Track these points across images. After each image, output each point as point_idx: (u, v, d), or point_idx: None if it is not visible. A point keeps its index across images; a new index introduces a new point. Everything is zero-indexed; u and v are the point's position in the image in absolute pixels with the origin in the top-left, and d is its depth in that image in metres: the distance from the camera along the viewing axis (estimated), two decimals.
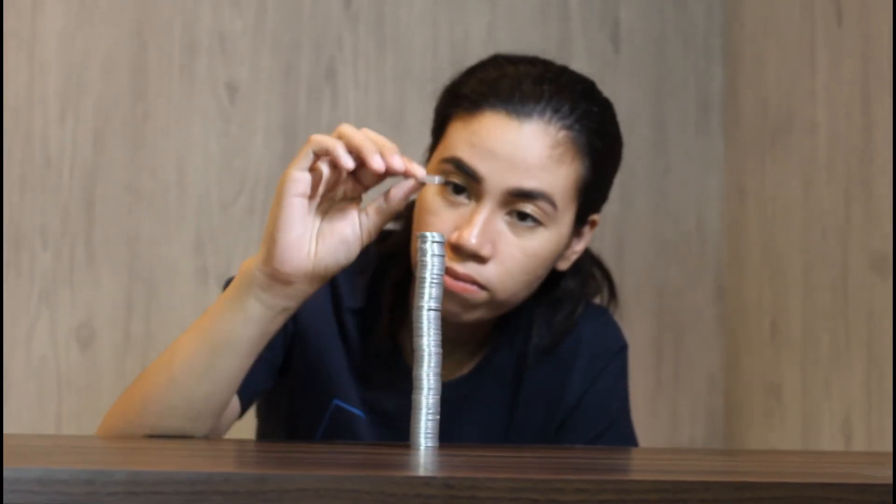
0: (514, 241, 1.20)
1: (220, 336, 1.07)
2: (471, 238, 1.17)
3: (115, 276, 1.93)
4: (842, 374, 1.79)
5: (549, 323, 1.30)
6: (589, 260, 1.36)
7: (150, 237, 1.94)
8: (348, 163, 1.01)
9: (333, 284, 1.29)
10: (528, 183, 1.18)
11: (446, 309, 1.18)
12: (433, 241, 1.01)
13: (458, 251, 1.18)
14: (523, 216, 1.20)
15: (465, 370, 1.30)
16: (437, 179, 1.07)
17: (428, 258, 1.01)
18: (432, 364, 1.01)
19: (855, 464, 1.02)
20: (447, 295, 1.17)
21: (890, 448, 1.67)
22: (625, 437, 1.33)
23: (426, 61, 2.06)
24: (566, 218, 1.22)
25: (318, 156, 1.02)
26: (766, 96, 2.03)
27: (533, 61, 1.25)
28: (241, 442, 1.15)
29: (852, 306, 1.78)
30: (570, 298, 1.31)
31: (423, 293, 1.01)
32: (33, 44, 1.91)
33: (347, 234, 1.04)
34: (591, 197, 1.25)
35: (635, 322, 2.07)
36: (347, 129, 1.03)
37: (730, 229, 2.12)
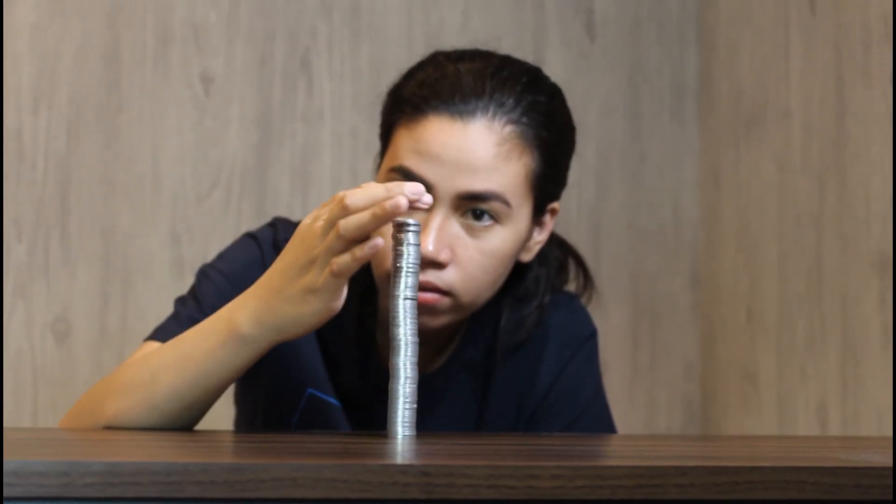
0: (471, 242, 1.19)
1: (209, 375, 1.07)
2: (427, 246, 1.16)
3: (90, 269, 1.92)
4: (817, 360, 1.80)
5: (517, 316, 1.29)
6: (558, 248, 1.35)
7: (125, 229, 1.94)
8: (368, 256, 0.99)
9: None
10: (478, 185, 1.17)
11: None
12: (410, 231, 1.01)
13: None
14: (478, 215, 1.19)
15: (434, 365, 1.30)
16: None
17: (403, 247, 1.01)
18: (409, 353, 1.01)
19: (829, 448, 1.03)
20: None
21: (865, 433, 1.68)
22: (601, 423, 1.32)
23: (401, 51, 2.06)
24: (522, 213, 1.21)
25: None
26: (740, 84, 2.04)
27: (473, 56, 1.23)
28: (217, 433, 1.15)
29: (827, 292, 1.79)
30: (537, 290, 1.30)
31: (398, 282, 1.01)
32: (5, 36, 1.90)
33: (345, 281, 1.02)
34: (546, 188, 1.23)
35: (611, 310, 2.08)
36: (347, 225, 0.99)
37: (705, 217, 2.13)
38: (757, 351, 1.96)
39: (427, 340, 1.28)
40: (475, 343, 1.30)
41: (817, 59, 1.83)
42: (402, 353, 1.01)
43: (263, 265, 1.23)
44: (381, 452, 0.87)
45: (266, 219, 1.97)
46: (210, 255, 1.96)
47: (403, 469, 0.72)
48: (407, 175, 1.18)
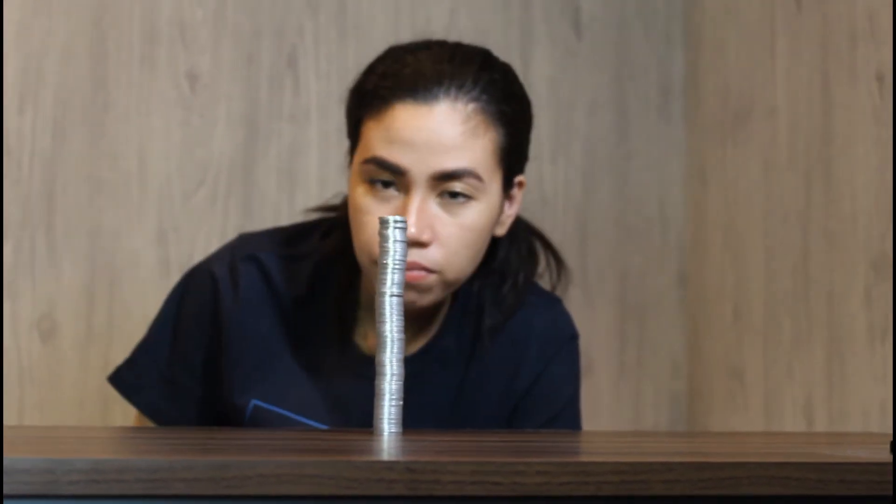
0: (449, 220, 1.23)
1: None
2: (410, 228, 1.20)
3: (76, 268, 1.92)
4: (803, 358, 1.81)
5: (496, 299, 1.33)
6: (525, 231, 1.38)
7: (111, 228, 1.93)
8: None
9: (268, 280, 1.30)
10: (450, 163, 1.22)
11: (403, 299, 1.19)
12: (395, 227, 1.01)
13: None
14: (454, 194, 1.23)
15: (409, 351, 1.31)
16: None
17: (390, 244, 1.01)
18: (395, 350, 1.01)
19: (815, 444, 1.03)
20: None
21: (851, 430, 1.68)
22: (573, 424, 1.35)
23: None
24: (494, 186, 1.26)
25: None
26: (726, 81, 2.04)
27: (427, 45, 1.29)
28: (202, 430, 1.15)
29: (813, 290, 1.80)
30: (511, 268, 1.35)
31: (384, 279, 1.01)
32: None
33: None
34: (512, 161, 1.28)
35: (598, 307, 2.08)
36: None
37: (692, 214, 2.13)
38: (743, 348, 1.97)
39: (416, 318, 1.29)
40: (453, 332, 1.32)
41: (803, 57, 1.83)
42: (389, 349, 1.01)
43: (214, 309, 1.29)
44: (366, 449, 0.87)
45: (252, 217, 1.98)
46: (196, 254, 1.96)
47: (389, 465, 0.72)
48: (381, 164, 1.23)
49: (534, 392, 1.33)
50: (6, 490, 0.68)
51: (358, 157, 1.26)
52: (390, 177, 1.23)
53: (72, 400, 1.64)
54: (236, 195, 1.97)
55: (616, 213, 2.13)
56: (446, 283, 1.25)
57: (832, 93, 1.76)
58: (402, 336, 1.01)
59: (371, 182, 1.23)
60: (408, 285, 1.20)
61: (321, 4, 2.03)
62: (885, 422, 1.62)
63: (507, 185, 1.29)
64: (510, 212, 1.31)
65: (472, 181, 1.23)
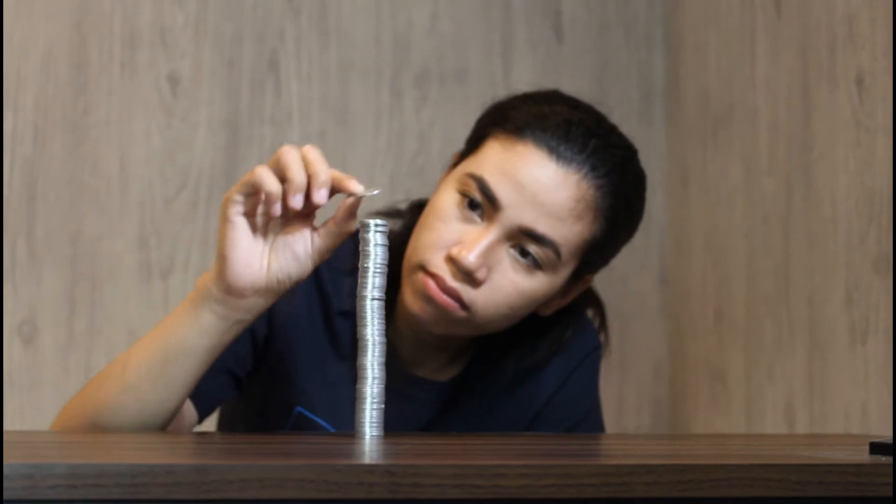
0: (510, 274, 1.20)
1: (173, 345, 1.08)
2: (470, 256, 1.18)
3: (57, 273, 1.91)
4: (784, 360, 1.81)
5: (531, 346, 1.31)
6: (594, 303, 1.36)
7: (92, 232, 1.93)
8: (276, 211, 1.02)
9: (321, 289, 1.28)
10: (542, 228, 1.19)
11: (422, 314, 1.20)
12: (376, 231, 1.01)
13: (455, 265, 1.19)
14: (525, 254, 1.20)
15: (450, 374, 1.31)
16: (375, 191, 1.06)
17: (371, 248, 1.01)
18: (376, 353, 1.01)
19: (795, 445, 1.03)
20: (429, 301, 1.19)
21: (832, 431, 1.69)
22: (595, 431, 1.35)
23: (369, 52, 2.06)
24: (564, 271, 1.23)
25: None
26: (707, 85, 2.05)
27: (588, 110, 1.26)
28: (183, 435, 1.15)
29: (794, 292, 1.80)
30: (561, 330, 1.32)
31: (366, 283, 1.01)
32: None
33: (299, 251, 1.05)
34: (594, 258, 1.26)
35: None
36: (285, 155, 1.03)
37: (673, 217, 2.14)
38: (725, 350, 1.97)
39: (442, 349, 1.28)
40: (490, 354, 1.31)
41: (783, 61, 1.84)
42: (370, 353, 1.01)
43: None
44: (347, 452, 0.87)
45: None
46: (178, 259, 1.96)
47: (370, 469, 0.72)
48: (483, 187, 1.20)
49: (555, 402, 1.32)
50: None
51: (466, 166, 1.23)
52: (483, 202, 1.20)
53: (52, 405, 1.62)
54: (218, 199, 1.96)
55: None
56: (470, 326, 1.22)
57: (812, 96, 1.77)
58: (384, 340, 1.01)
59: (463, 195, 1.20)
60: (435, 306, 1.19)
61: (302, 8, 2.03)
62: (865, 423, 1.62)
63: (576, 276, 1.26)
64: (562, 301, 1.28)
65: (551, 255, 1.20)
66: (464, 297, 1.19)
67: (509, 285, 1.20)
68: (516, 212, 1.19)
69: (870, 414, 1.62)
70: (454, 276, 1.19)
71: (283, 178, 1.03)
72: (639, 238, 2.19)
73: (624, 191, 1.24)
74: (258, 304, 1.06)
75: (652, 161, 2.16)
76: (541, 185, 1.19)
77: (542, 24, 2.12)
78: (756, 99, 1.91)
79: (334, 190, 1.03)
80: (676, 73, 2.14)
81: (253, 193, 1.04)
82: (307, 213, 1.05)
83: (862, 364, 1.64)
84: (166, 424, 1.12)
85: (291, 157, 1.03)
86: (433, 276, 1.19)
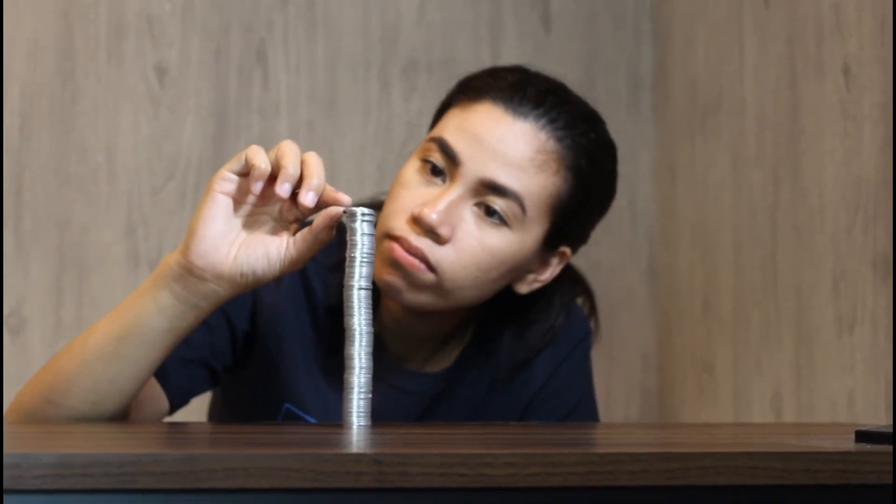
0: (475, 231, 1.18)
1: (129, 322, 1.07)
2: (432, 213, 1.16)
3: (44, 263, 1.91)
4: (772, 351, 1.82)
5: (522, 334, 1.29)
6: (579, 286, 1.35)
7: (79, 222, 1.92)
8: (256, 189, 1.01)
9: (307, 285, 1.27)
10: (503, 178, 1.18)
11: (391, 281, 1.18)
12: (363, 220, 1.01)
13: (418, 223, 1.17)
14: (491, 212, 1.19)
15: (444, 365, 1.30)
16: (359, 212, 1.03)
17: (357, 237, 1.01)
18: (363, 343, 1.00)
19: (782, 434, 1.04)
20: (396, 266, 1.17)
21: (819, 422, 1.70)
22: (590, 419, 1.34)
23: (357, 43, 2.05)
24: (534, 230, 1.21)
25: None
26: (695, 77, 2.05)
27: (553, 80, 1.25)
28: (170, 424, 1.15)
29: (781, 284, 1.81)
30: (548, 315, 1.30)
31: (353, 272, 1.00)
32: None
33: (272, 252, 1.03)
34: (566, 222, 1.23)
35: None
36: (285, 149, 1.02)
37: (661, 209, 2.14)
38: (713, 342, 1.98)
39: (429, 339, 1.28)
40: (480, 346, 1.30)
41: (771, 52, 1.84)
42: (357, 342, 1.00)
43: None
44: (334, 442, 0.87)
45: None
46: (165, 248, 1.95)
47: (356, 458, 0.72)
48: (442, 146, 1.19)
49: (547, 390, 1.31)
50: None
51: (427, 136, 1.23)
52: (444, 164, 1.19)
53: None
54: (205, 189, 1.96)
55: None
56: (440, 290, 1.19)
57: (799, 87, 1.77)
58: (371, 329, 1.01)
59: (424, 161, 1.20)
60: (401, 269, 1.17)
61: None
62: (852, 413, 1.63)
63: (549, 244, 1.23)
64: (541, 277, 1.26)
65: (515, 208, 1.18)
66: (429, 257, 1.17)
67: (475, 243, 1.18)
68: (477, 165, 1.18)
69: (856, 403, 1.63)
70: (418, 236, 1.17)
71: (277, 167, 1.02)
72: (627, 230, 2.20)
73: (588, 148, 1.22)
74: (216, 293, 1.04)
75: (640, 152, 2.16)
76: (499, 137, 1.18)
77: (531, 14, 2.12)
78: (744, 90, 1.91)
79: (322, 204, 1.01)
80: (664, 63, 2.14)
81: (244, 173, 1.03)
82: (292, 221, 1.04)
83: (849, 354, 1.65)
84: (120, 410, 1.09)
85: (291, 150, 1.02)
86: (397, 238, 1.18)
